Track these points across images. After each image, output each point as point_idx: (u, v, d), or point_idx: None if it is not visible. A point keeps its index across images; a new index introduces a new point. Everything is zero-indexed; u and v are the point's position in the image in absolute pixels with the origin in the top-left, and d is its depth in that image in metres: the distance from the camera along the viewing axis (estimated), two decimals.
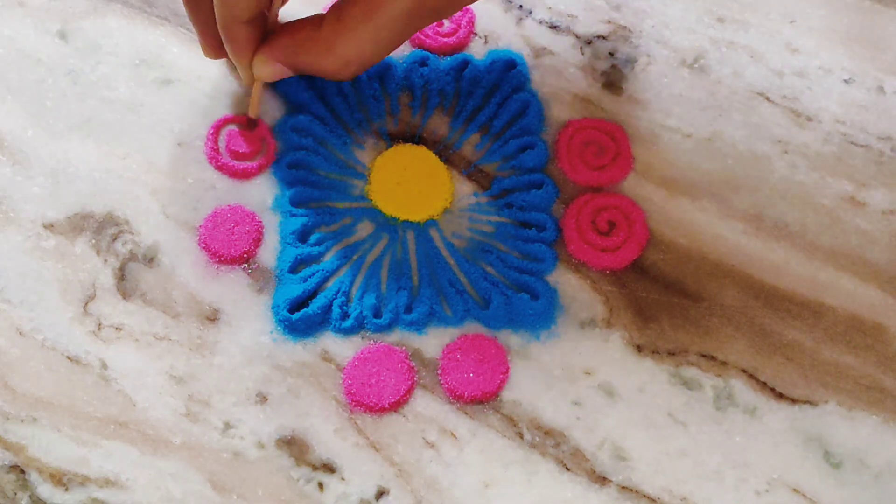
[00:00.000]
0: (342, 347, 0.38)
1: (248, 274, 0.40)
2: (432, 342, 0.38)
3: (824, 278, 0.40)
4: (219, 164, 0.42)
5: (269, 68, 0.37)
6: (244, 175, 0.41)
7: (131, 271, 0.40)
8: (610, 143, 0.42)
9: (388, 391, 0.37)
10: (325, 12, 0.36)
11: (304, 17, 0.37)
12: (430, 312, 0.39)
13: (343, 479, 0.36)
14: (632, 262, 0.40)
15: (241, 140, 0.41)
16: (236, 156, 0.41)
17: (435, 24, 0.45)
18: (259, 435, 0.37)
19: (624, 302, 0.39)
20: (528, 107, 0.43)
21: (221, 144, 0.42)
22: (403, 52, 0.45)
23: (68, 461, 0.36)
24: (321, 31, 0.35)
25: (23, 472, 0.36)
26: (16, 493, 0.35)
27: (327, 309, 0.39)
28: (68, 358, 0.38)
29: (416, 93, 0.43)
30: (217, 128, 0.42)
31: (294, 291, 0.39)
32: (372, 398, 0.37)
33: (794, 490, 0.36)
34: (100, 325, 0.38)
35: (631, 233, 0.40)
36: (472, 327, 0.39)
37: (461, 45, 0.44)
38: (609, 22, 0.45)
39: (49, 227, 0.40)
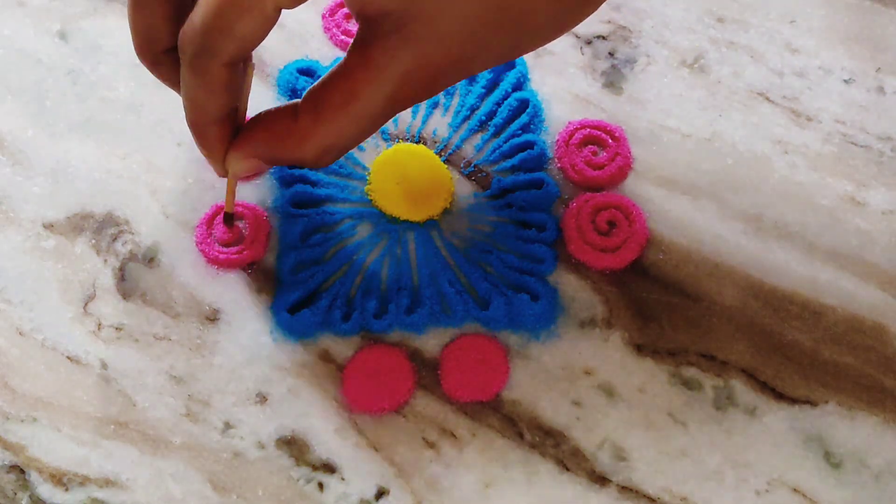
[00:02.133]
0: (342, 347, 0.38)
1: (248, 274, 0.40)
2: (432, 342, 0.38)
3: (824, 278, 0.40)
4: None
5: (243, 164, 0.35)
6: (244, 175, 0.41)
7: (131, 271, 0.40)
8: (610, 143, 0.42)
9: (388, 391, 0.37)
10: (298, 101, 0.34)
11: (273, 108, 0.34)
12: (430, 313, 0.39)
13: (343, 479, 0.36)
14: (632, 262, 0.40)
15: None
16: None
17: None
18: (259, 435, 0.37)
19: (624, 302, 0.39)
20: (527, 106, 0.43)
21: None
22: None
23: (68, 461, 0.36)
24: (298, 122, 0.33)
25: (23, 472, 0.36)
26: (16, 493, 0.35)
27: (327, 309, 0.39)
28: (68, 358, 0.38)
29: None
30: None
31: (294, 292, 0.39)
32: (372, 398, 0.37)
33: (794, 490, 0.36)
34: (100, 325, 0.39)
35: (631, 233, 0.40)
36: (472, 327, 0.39)
37: None
38: (609, 22, 0.45)
39: (49, 227, 0.40)
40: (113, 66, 0.44)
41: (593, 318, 0.39)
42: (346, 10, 0.45)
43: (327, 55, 0.44)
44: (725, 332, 0.39)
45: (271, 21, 0.31)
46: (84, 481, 0.36)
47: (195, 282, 0.39)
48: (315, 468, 0.36)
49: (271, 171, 0.42)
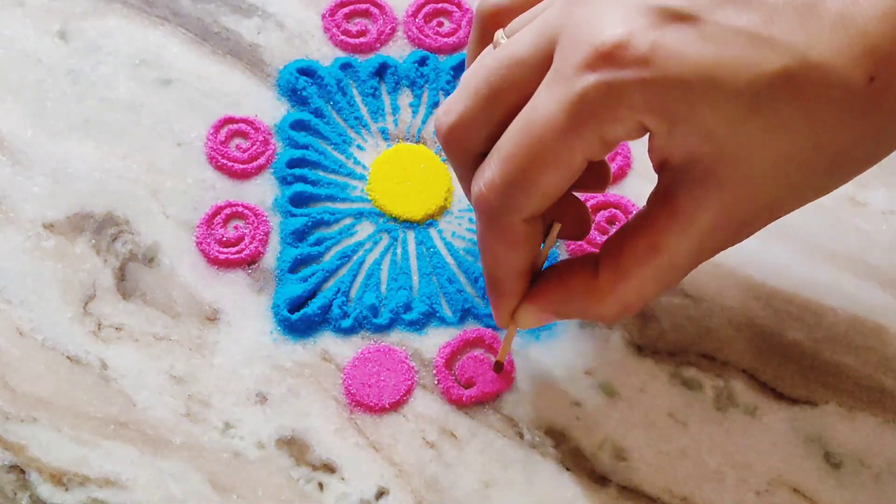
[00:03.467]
0: (342, 347, 0.38)
1: (248, 274, 0.40)
2: (432, 342, 0.38)
3: (824, 279, 0.40)
4: (219, 164, 0.42)
5: (536, 317, 0.34)
6: (244, 175, 0.41)
7: (131, 271, 0.40)
8: None
9: (388, 391, 0.37)
10: (595, 253, 0.33)
11: (571, 259, 0.33)
12: (430, 312, 0.39)
13: (343, 479, 0.36)
14: None
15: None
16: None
17: (435, 23, 0.45)
18: (259, 435, 0.37)
19: None
20: None
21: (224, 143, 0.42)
22: (403, 51, 0.45)
23: (68, 461, 0.36)
24: (597, 279, 0.32)
25: (23, 472, 0.36)
26: (16, 494, 0.35)
27: (327, 309, 0.39)
28: (68, 358, 0.38)
29: (416, 92, 0.43)
30: (217, 128, 0.42)
31: (294, 291, 0.39)
32: (372, 398, 0.37)
33: (794, 490, 0.36)
34: (100, 325, 0.38)
35: None
36: (473, 327, 0.39)
37: (461, 45, 0.44)
38: None
39: (49, 227, 0.40)
40: (113, 66, 0.44)
41: None
42: (346, 10, 0.45)
43: (327, 55, 0.44)
44: (725, 332, 0.39)
45: (578, 173, 0.30)
46: (84, 481, 0.36)
47: (195, 282, 0.39)
48: (315, 468, 0.36)
49: (272, 170, 0.42)
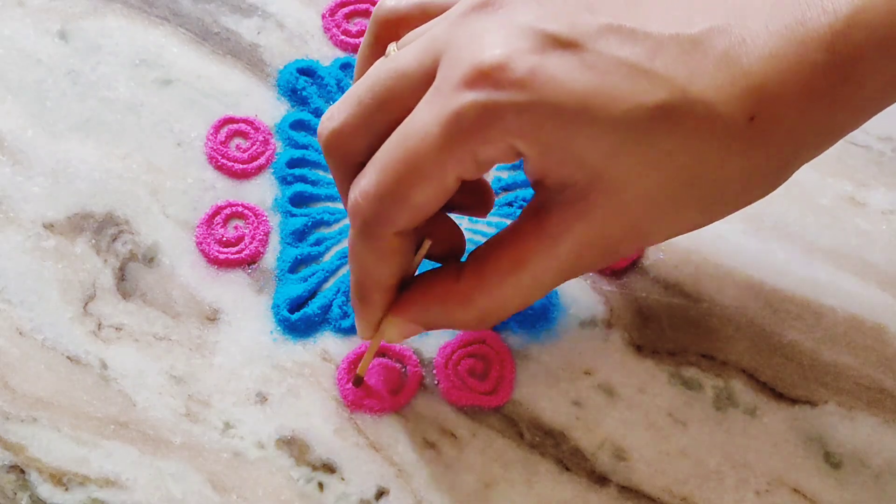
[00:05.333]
0: (342, 347, 0.38)
1: (248, 274, 0.40)
2: (432, 342, 0.38)
3: (824, 278, 0.40)
4: (219, 164, 0.42)
5: (400, 329, 0.34)
6: (244, 175, 0.41)
7: (131, 271, 0.40)
8: None
9: (388, 391, 0.37)
10: (462, 261, 0.33)
11: (436, 269, 0.34)
12: None
13: (343, 479, 0.36)
14: (631, 263, 0.40)
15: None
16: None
17: None
18: (259, 435, 0.37)
19: (624, 302, 0.39)
20: None
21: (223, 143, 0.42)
22: None
23: (68, 461, 0.36)
24: (459, 285, 0.32)
25: (23, 472, 0.36)
26: (16, 493, 0.35)
27: (327, 308, 0.39)
28: (68, 358, 0.38)
29: None
30: (217, 128, 0.42)
31: (294, 291, 0.39)
32: (372, 398, 0.37)
33: (794, 490, 0.36)
34: (100, 325, 0.38)
35: None
36: None
37: None
38: None
39: (49, 227, 0.40)
40: (113, 66, 0.44)
41: (593, 318, 0.39)
42: (346, 10, 0.45)
43: (327, 55, 0.44)
44: (725, 332, 0.39)
45: (450, 191, 0.30)
46: (84, 481, 0.36)
47: (195, 282, 0.39)
48: (315, 468, 0.36)
49: (272, 170, 0.42)
